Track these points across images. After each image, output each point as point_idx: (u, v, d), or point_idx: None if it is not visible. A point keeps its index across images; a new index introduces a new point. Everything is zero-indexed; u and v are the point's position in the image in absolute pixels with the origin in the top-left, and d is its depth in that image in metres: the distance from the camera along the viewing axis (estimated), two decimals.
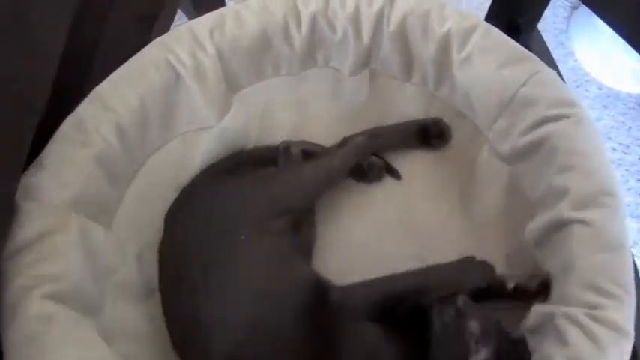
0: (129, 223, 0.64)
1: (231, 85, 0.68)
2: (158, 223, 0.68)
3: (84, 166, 0.57)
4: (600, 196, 0.52)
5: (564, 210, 0.54)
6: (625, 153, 1.37)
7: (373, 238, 0.68)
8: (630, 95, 1.39)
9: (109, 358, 0.52)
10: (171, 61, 0.62)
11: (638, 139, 1.36)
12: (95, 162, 0.58)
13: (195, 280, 0.58)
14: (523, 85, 0.61)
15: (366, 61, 0.71)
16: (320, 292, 0.59)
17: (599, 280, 0.49)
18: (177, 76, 0.63)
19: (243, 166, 0.71)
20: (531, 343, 0.53)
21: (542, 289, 0.54)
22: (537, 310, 0.54)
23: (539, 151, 0.59)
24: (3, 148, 0.49)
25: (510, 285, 0.56)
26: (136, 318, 0.63)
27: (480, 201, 0.67)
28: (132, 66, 0.62)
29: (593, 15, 1.37)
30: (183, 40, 0.63)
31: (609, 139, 1.34)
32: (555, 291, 0.53)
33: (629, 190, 1.34)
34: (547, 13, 1.51)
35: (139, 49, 0.64)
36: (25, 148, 0.53)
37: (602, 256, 0.50)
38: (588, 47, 1.35)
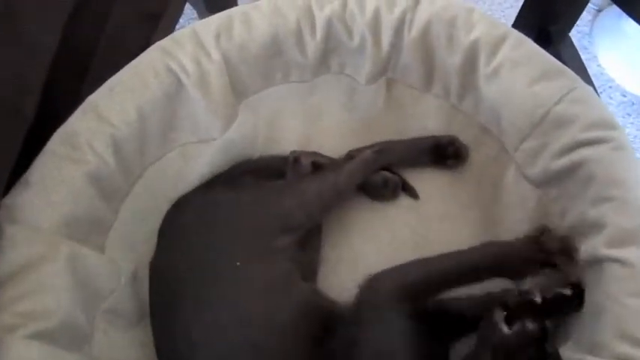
0: (123, 242, 0.60)
1: (237, 92, 0.63)
2: (154, 240, 0.64)
3: (75, 184, 0.53)
4: None
5: (599, 246, 0.49)
6: None
7: (386, 261, 0.63)
8: None
9: None
10: (173, 68, 0.57)
11: None
12: (87, 180, 0.54)
13: (190, 309, 0.54)
14: (557, 103, 0.55)
15: (384, 69, 0.65)
16: (325, 314, 0.55)
17: (635, 329, 0.44)
18: (179, 84, 0.58)
19: (246, 177, 0.66)
20: None
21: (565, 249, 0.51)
22: (566, 353, 0.49)
23: (573, 176, 0.54)
24: None
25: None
26: (126, 346, 0.58)
27: (503, 225, 0.62)
28: (130, 73, 0.57)
29: (619, 18, 1.31)
30: (187, 44, 0.58)
31: (633, 148, 1.28)
32: (584, 336, 0.48)
33: None
34: None
35: (141, 50, 0.59)
36: (11, 158, 0.48)
37: (639, 301, 0.45)
38: (613, 52, 1.28)
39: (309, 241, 0.63)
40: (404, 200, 0.68)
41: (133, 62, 0.57)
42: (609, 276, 0.47)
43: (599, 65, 1.28)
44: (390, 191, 0.66)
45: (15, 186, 0.51)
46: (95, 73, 0.64)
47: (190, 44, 0.58)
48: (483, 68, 0.59)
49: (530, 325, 0.45)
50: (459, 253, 0.56)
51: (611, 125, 0.53)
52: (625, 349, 0.44)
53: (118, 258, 0.59)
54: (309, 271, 0.63)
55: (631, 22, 1.28)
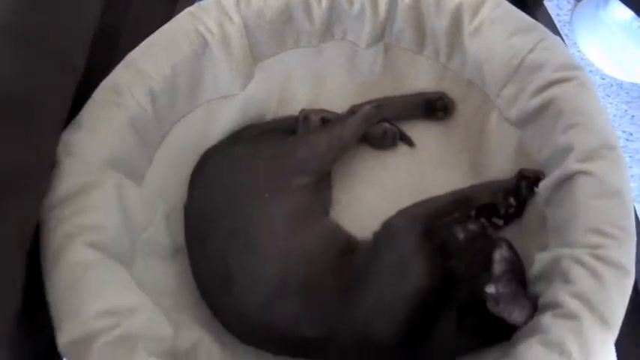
0: (157, 187, 0.68)
1: (254, 56, 0.72)
2: (183, 188, 0.72)
3: (119, 126, 0.61)
4: (602, 149, 0.56)
5: (570, 164, 0.57)
6: (628, 140, 1.40)
7: (387, 202, 0.71)
8: (634, 85, 1.42)
9: (143, 303, 0.56)
10: (200, 30, 0.66)
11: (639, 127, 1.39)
12: (129, 123, 0.62)
13: (224, 238, 0.63)
14: (530, 51, 0.64)
15: (381, 34, 0.75)
16: (343, 241, 0.64)
17: (602, 224, 0.53)
18: (206, 45, 0.67)
19: (263, 135, 0.75)
20: (538, 288, 0.57)
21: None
22: (543, 256, 0.57)
23: (546, 113, 0.63)
24: (49, 100, 0.53)
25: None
26: (164, 274, 0.66)
27: (491, 166, 0.71)
28: (163, 34, 0.66)
29: (597, 7, 1.41)
30: (211, 10, 0.67)
31: (594, 85, 1.36)
32: (562, 238, 0.57)
33: (632, 176, 1.37)
34: (551, 4, 1.54)
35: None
36: (68, 101, 0.56)
37: (603, 202, 0.54)
38: (592, 39, 1.38)
39: (321, 184, 0.71)
40: (402, 149, 0.77)
41: (166, 25, 0.66)
42: (579, 186, 0.56)
43: (579, 51, 1.38)
44: (389, 140, 0.75)
45: (68, 126, 0.60)
46: (124, 49, 0.72)
47: (214, 10, 0.67)
48: (467, 27, 0.69)
49: (472, 226, 0.59)
50: (455, 191, 0.67)
51: (575, 67, 0.62)
52: (593, 239, 0.52)
53: (153, 198, 0.67)
54: (324, 210, 0.71)
55: (608, 11, 1.39)
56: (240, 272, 0.61)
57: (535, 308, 0.53)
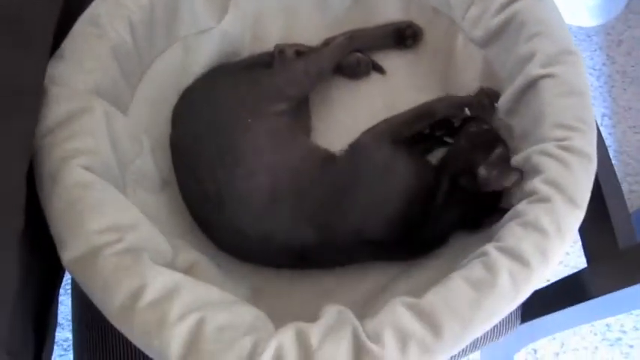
0: (139, 122, 0.70)
1: None
2: (165, 125, 0.74)
3: (102, 56, 0.62)
4: (563, 55, 0.61)
5: (532, 69, 0.62)
6: None
7: (363, 126, 0.74)
8: (581, 28, 1.50)
9: (142, 220, 0.58)
10: None
11: (588, 68, 1.48)
12: (111, 53, 0.63)
13: (212, 162, 0.65)
14: None
15: None
16: (323, 152, 0.69)
17: (566, 119, 0.58)
18: None
19: (240, 70, 0.77)
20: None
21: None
22: (515, 159, 0.62)
23: (509, 28, 0.67)
24: (41, 22, 0.54)
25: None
26: (154, 205, 0.68)
27: (459, 86, 0.75)
28: None
29: None
30: None
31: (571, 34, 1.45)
32: (530, 139, 0.62)
33: None
34: None
35: None
36: (51, 29, 0.57)
37: (567, 101, 0.59)
38: None
39: (300, 112, 0.74)
40: (374, 77, 0.80)
41: None
42: (543, 88, 0.61)
43: None
44: (362, 69, 0.79)
45: (51, 58, 0.60)
46: None
47: None
48: None
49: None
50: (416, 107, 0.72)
51: None
52: (559, 133, 0.57)
53: (138, 132, 0.69)
54: (304, 134, 0.74)
55: None
56: (231, 189, 0.64)
57: (522, 174, 0.59)
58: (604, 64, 1.48)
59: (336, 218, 0.63)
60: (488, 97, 0.69)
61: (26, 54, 0.51)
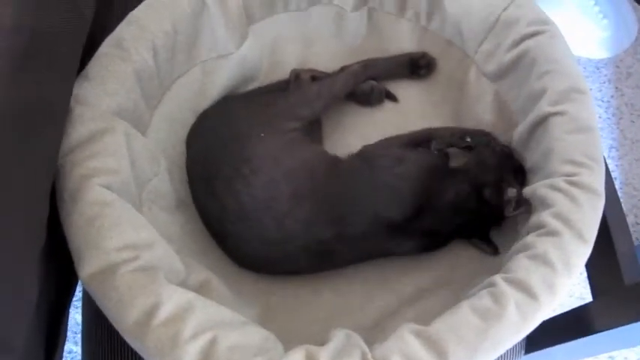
0: (157, 142, 0.71)
1: (247, 17, 0.76)
2: (181, 146, 0.75)
3: (125, 78, 0.64)
4: (573, 93, 0.63)
5: (543, 106, 0.64)
6: None
7: None
8: (590, 60, 1.52)
9: (158, 239, 0.59)
10: None
11: (596, 100, 1.49)
12: (134, 76, 0.65)
13: (229, 176, 0.67)
14: (505, 9, 0.71)
15: None
16: (333, 156, 0.72)
17: (575, 156, 0.59)
18: (204, 4, 0.70)
19: (256, 94, 0.79)
20: (519, 219, 0.63)
21: None
22: (525, 190, 0.63)
23: (520, 64, 0.69)
24: (64, 49, 0.56)
25: None
26: (168, 224, 0.69)
27: (470, 118, 0.77)
28: None
29: None
30: None
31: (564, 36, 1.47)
32: (539, 174, 0.63)
33: None
34: None
35: None
36: (80, 50, 0.59)
37: (576, 137, 0.60)
38: (553, 16, 1.48)
39: (313, 135, 0.76)
40: (387, 105, 0.82)
41: None
42: (553, 125, 0.63)
43: None
44: (376, 97, 0.81)
45: (77, 78, 0.62)
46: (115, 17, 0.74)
47: None
48: None
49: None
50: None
51: (547, 21, 0.69)
52: (568, 168, 0.59)
53: (156, 153, 0.70)
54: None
55: None
56: (251, 198, 0.66)
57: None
58: (612, 97, 1.50)
59: (352, 208, 0.67)
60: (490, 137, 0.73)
61: (54, 73, 0.53)
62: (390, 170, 0.69)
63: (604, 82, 1.52)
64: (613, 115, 1.48)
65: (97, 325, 0.71)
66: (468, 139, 0.72)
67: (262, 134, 0.69)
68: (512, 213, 0.64)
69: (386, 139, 0.74)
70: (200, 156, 0.72)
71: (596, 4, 1.53)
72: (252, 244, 0.67)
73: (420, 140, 0.73)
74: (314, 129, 0.77)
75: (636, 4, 1.58)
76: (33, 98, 0.51)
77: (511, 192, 0.64)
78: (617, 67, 1.53)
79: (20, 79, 0.47)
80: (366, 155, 0.71)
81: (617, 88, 1.51)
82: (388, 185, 0.68)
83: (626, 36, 1.55)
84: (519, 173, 0.68)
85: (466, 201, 0.67)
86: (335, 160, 0.71)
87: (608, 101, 1.49)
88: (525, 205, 0.63)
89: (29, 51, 0.48)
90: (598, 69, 1.53)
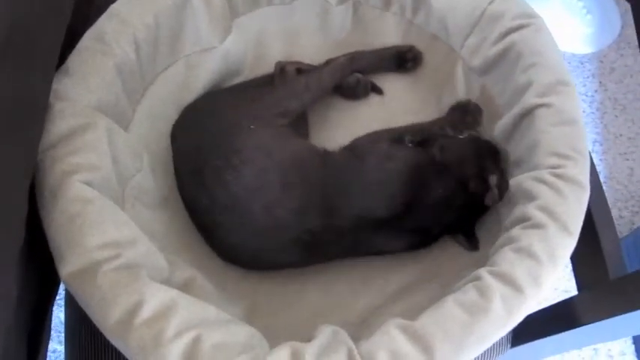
0: (140, 138, 0.70)
1: (231, 11, 0.75)
2: (164, 140, 0.74)
3: (106, 73, 0.63)
4: (558, 85, 0.63)
5: (529, 98, 0.64)
6: None
7: None
8: (574, 55, 1.53)
9: (141, 236, 0.58)
10: None
11: (580, 94, 1.50)
12: (115, 70, 0.64)
13: (218, 168, 0.67)
14: (490, 2, 0.71)
15: None
16: (321, 155, 0.72)
17: (560, 148, 0.59)
18: None
19: (241, 88, 0.78)
20: (502, 211, 0.63)
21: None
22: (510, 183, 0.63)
23: (507, 57, 0.69)
24: (43, 42, 0.54)
25: None
26: (152, 221, 0.68)
27: None
28: None
29: None
30: None
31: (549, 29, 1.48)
32: (524, 166, 0.63)
33: None
34: None
35: None
36: (59, 44, 0.58)
37: (561, 129, 0.60)
38: (538, 11, 1.49)
39: (299, 130, 0.75)
40: (373, 100, 0.82)
41: None
42: (539, 117, 0.63)
43: None
44: (361, 89, 0.80)
45: (56, 73, 0.61)
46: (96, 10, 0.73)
47: None
48: None
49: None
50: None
51: (532, 15, 0.69)
52: (553, 160, 0.59)
53: (138, 148, 0.69)
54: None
55: None
56: (242, 187, 0.66)
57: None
58: (596, 91, 1.51)
59: (341, 200, 0.66)
60: (471, 114, 0.74)
61: (33, 68, 0.52)
62: (379, 166, 0.68)
63: (588, 77, 1.53)
64: (597, 109, 1.49)
65: (81, 324, 0.70)
66: (448, 130, 0.74)
67: (252, 126, 0.69)
68: (496, 200, 0.64)
69: (375, 133, 0.74)
70: (187, 149, 0.71)
71: (579, 0, 1.54)
72: (241, 235, 0.66)
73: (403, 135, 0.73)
74: (300, 123, 0.76)
75: (619, 0, 1.59)
76: (10, 93, 0.49)
77: (492, 179, 0.64)
78: (601, 62, 1.55)
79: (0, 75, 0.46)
80: (356, 150, 0.71)
81: (600, 82, 1.52)
82: (377, 182, 0.67)
83: (610, 31, 1.56)
84: (495, 155, 0.68)
85: (454, 196, 0.67)
86: (324, 153, 0.71)
87: (592, 96, 1.50)
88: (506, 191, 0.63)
89: (7, 45, 0.47)
90: (582, 64, 1.54)
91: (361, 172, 0.68)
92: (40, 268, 0.57)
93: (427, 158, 0.70)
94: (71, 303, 0.73)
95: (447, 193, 0.67)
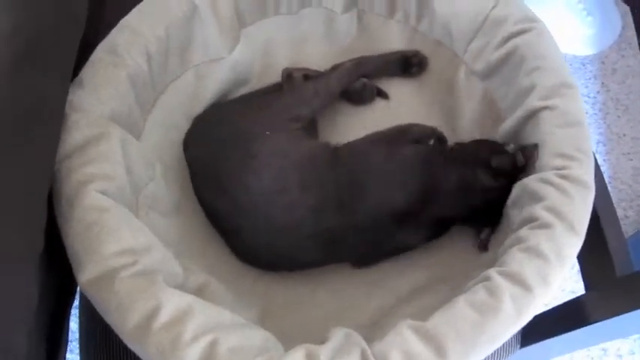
0: (152, 147, 0.72)
1: (239, 21, 0.76)
2: (175, 149, 0.76)
3: (119, 84, 0.65)
4: (561, 88, 0.64)
5: (533, 101, 0.65)
6: None
7: None
8: (575, 57, 1.54)
9: (156, 243, 0.60)
10: None
11: (583, 95, 1.51)
12: (128, 81, 0.65)
13: (237, 171, 0.69)
14: (493, 8, 0.72)
15: (355, 0, 0.81)
16: (337, 152, 0.73)
17: (565, 149, 0.60)
18: (195, 8, 0.71)
19: (250, 97, 0.80)
20: (512, 214, 0.64)
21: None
22: (516, 186, 0.64)
23: (509, 62, 0.70)
24: (60, 53, 0.56)
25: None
26: (165, 228, 0.69)
27: (460, 116, 0.78)
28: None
29: None
30: None
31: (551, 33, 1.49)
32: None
33: None
34: None
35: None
36: (74, 54, 0.59)
37: (565, 131, 0.61)
38: (539, 14, 1.50)
39: (310, 130, 0.78)
40: (379, 105, 0.83)
41: None
42: (543, 119, 0.64)
43: None
44: (368, 94, 0.82)
45: (71, 85, 0.63)
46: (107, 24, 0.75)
47: None
48: None
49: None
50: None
51: (534, 19, 0.70)
52: (559, 162, 0.60)
53: (150, 157, 0.71)
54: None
55: None
56: (262, 189, 0.67)
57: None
58: (598, 92, 1.52)
59: (356, 196, 0.68)
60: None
61: (51, 78, 0.53)
62: (391, 158, 0.70)
63: (590, 79, 1.54)
64: (600, 110, 1.50)
65: (95, 332, 0.71)
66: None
67: (268, 132, 0.70)
68: (522, 162, 0.65)
69: (374, 134, 0.76)
70: (204, 157, 0.73)
71: (580, 1, 1.55)
72: (263, 237, 0.68)
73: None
74: (311, 128, 0.78)
75: (618, 1, 1.60)
76: (31, 102, 0.51)
77: (509, 147, 0.67)
78: (603, 63, 1.56)
79: (19, 83, 0.48)
80: (362, 148, 0.73)
81: (603, 83, 1.54)
82: (391, 172, 0.69)
83: (611, 33, 1.57)
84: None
85: (468, 184, 0.68)
86: (337, 151, 0.73)
87: (595, 97, 1.51)
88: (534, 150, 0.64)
89: (27, 55, 0.49)
90: (584, 65, 1.55)
91: (372, 163, 0.70)
92: (57, 276, 0.58)
93: (435, 152, 0.72)
94: (85, 313, 0.75)
95: (461, 182, 0.68)
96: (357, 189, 0.68)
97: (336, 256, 0.70)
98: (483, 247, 0.68)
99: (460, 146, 0.72)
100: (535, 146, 0.64)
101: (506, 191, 0.66)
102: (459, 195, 0.68)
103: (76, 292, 0.68)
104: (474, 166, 0.68)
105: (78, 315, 0.75)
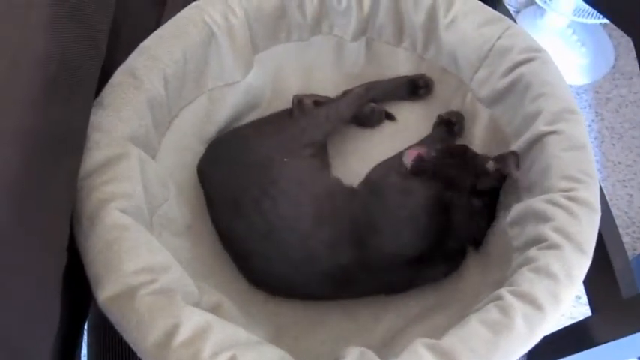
0: (166, 169, 0.73)
1: (254, 46, 0.79)
2: (187, 172, 0.77)
3: (138, 106, 0.66)
4: (566, 113, 0.67)
5: (539, 126, 0.67)
6: None
7: None
8: (570, 86, 1.59)
9: (172, 261, 0.61)
10: (207, 21, 0.73)
11: None
12: (147, 104, 0.67)
13: (255, 199, 0.70)
14: (499, 38, 0.75)
15: (365, 28, 0.84)
16: (347, 191, 0.75)
17: (571, 172, 0.62)
18: (212, 34, 0.73)
19: (262, 123, 0.82)
20: (512, 233, 0.66)
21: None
22: (516, 206, 0.66)
23: (515, 89, 0.73)
24: (84, 78, 0.58)
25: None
26: (178, 248, 0.71)
27: (465, 140, 0.80)
28: (174, 24, 0.72)
29: (534, 17, 1.58)
30: (216, 3, 0.74)
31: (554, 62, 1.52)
32: (536, 191, 0.66)
33: None
34: None
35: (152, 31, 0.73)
36: (96, 80, 0.61)
37: (571, 154, 0.64)
38: None
39: (322, 157, 0.79)
40: (387, 129, 0.85)
41: (175, 17, 0.72)
42: (549, 143, 0.66)
43: None
44: (376, 117, 0.84)
45: (93, 106, 0.64)
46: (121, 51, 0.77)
47: (219, 3, 0.74)
48: (442, 20, 0.78)
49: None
50: None
51: (538, 49, 0.73)
52: (565, 184, 0.62)
53: (165, 178, 0.72)
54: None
55: (545, 20, 1.55)
56: (279, 217, 0.68)
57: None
58: (593, 121, 1.56)
59: (372, 238, 0.68)
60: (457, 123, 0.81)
61: (77, 102, 0.55)
62: (401, 204, 0.71)
63: (584, 107, 1.58)
64: (595, 138, 1.53)
65: (105, 352, 0.71)
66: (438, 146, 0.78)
67: (285, 159, 0.72)
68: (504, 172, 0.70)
69: (384, 163, 0.78)
70: (221, 182, 0.74)
71: (574, 32, 1.61)
72: (276, 263, 0.69)
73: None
74: (322, 153, 0.79)
75: (612, 32, 1.65)
76: (59, 125, 0.53)
77: (490, 165, 0.71)
78: (597, 92, 1.60)
79: (49, 107, 0.49)
80: (373, 186, 0.74)
81: (597, 112, 1.58)
82: (404, 219, 0.70)
83: (604, 63, 1.62)
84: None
85: (473, 210, 0.70)
86: (350, 190, 0.74)
87: (589, 125, 1.55)
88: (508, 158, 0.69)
89: (57, 80, 0.51)
90: (578, 94, 1.59)
91: (385, 210, 0.70)
92: (72, 295, 0.59)
93: (437, 185, 0.73)
94: (94, 332, 0.75)
95: (468, 211, 0.70)
96: (371, 232, 0.69)
97: (347, 292, 0.71)
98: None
99: (445, 173, 0.73)
100: (511, 153, 0.69)
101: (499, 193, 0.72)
102: (464, 226, 0.70)
103: (88, 310, 0.68)
104: (468, 197, 0.71)
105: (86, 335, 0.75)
